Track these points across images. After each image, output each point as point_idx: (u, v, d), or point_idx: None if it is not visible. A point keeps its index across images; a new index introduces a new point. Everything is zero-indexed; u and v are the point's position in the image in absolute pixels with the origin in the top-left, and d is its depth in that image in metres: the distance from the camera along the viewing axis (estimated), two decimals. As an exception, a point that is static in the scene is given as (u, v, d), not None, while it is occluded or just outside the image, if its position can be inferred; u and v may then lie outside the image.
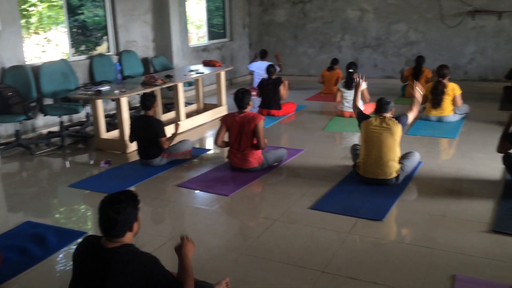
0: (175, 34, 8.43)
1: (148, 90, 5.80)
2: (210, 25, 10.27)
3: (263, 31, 11.17)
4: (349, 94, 6.97)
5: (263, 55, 9.36)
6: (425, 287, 2.82)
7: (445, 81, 6.56)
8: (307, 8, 10.56)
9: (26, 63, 6.31)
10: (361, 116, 4.55)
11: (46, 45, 7.23)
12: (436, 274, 2.95)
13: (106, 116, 6.61)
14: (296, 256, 3.20)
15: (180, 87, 6.56)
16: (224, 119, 4.92)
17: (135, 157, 5.41)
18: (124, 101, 5.63)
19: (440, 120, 6.57)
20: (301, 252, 3.26)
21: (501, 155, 4.42)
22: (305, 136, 6.25)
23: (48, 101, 6.44)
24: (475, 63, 9.36)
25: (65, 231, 3.67)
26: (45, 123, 6.53)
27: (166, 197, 4.43)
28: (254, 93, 7.26)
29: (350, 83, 6.99)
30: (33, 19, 7.11)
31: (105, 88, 5.82)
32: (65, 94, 6.19)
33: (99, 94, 5.59)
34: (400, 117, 4.39)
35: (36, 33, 7.17)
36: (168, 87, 6.65)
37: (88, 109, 6.56)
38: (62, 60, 6.67)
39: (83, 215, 4.21)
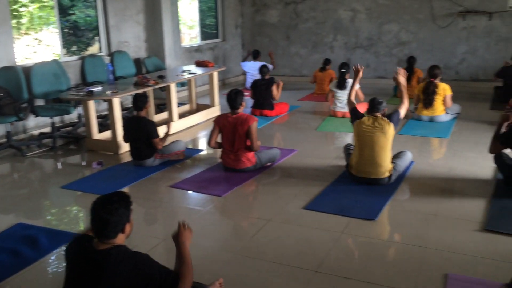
0: (168, 35, 8.42)
1: (140, 91, 5.78)
2: (203, 26, 10.26)
3: (255, 32, 11.17)
4: (341, 95, 6.99)
5: (255, 56, 9.32)
6: (417, 286, 2.84)
7: (437, 81, 6.61)
8: (299, 9, 10.58)
9: (17, 64, 6.26)
10: (354, 114, 4.53)
11: (37, 45, 7.19)
12: (429, 273, 2.96)
13: (98, 117, 6.57)
14: (290, 256, 3.20)
15: (173, 87, 6.54)
16: (217, 120, 4.91)
17: (127, 158, 5.39)
18: (116, 102, 5.61)
19: (431, 120, 6.61)
20: (294, 252, 3.26)
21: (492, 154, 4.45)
22: (298, 136, 6.25)
23: (40, 102, 6.40)
24: (466, 63, 9.42)
25: (57, 232, 3.65)
26: (36, 124, 6.49)
27: (159, 198, 4.42)
28: (247, 93, 7.26)
29: (343, 84, 7.02)
30: (24, 20, 7.06)
31: (97, 88, 5.80)
32: (57, 95, 6.16)
33: (91, 94, 5.56)
34: (392, 116, 4.37)
35: (27, 33, 7.12)
36: (160, 88, 6.63)
37: (80, 110, 6.53)
38: (54, 60, 6.63)
39: (75, 217, 4.19)
